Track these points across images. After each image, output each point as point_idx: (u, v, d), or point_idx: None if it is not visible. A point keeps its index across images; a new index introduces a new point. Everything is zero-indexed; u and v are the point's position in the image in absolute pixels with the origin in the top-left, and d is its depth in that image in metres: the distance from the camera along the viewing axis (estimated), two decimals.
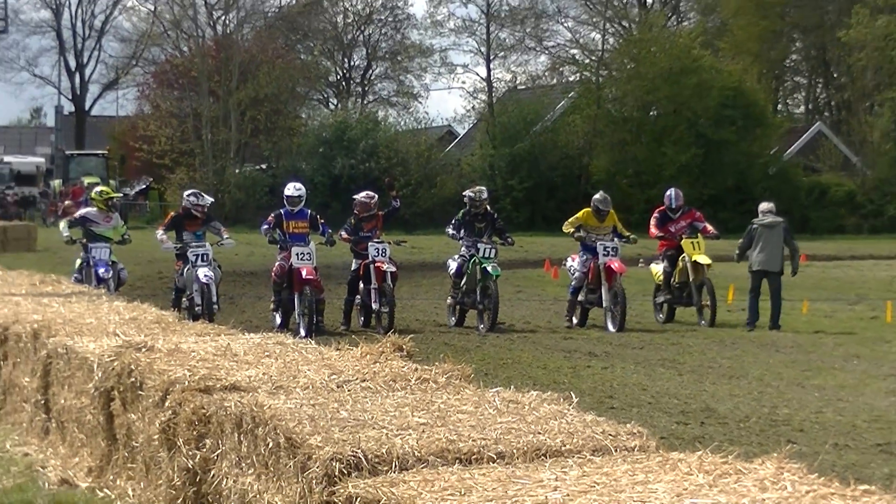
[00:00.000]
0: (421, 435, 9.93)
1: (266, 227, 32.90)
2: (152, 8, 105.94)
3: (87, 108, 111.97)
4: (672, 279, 35.27)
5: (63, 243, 35.01)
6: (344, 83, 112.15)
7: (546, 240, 62.47)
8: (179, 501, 12.12)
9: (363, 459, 9.34)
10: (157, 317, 19.06)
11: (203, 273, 31.13)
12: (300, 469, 9.79)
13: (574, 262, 35.37)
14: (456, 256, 34.68)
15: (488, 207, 35.75)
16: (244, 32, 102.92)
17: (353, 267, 33.58)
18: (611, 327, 33.30)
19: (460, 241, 34.65)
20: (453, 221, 35.14)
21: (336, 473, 9.30)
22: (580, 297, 34.89)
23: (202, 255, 31.48)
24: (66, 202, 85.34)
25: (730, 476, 8.62)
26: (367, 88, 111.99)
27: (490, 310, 33.30)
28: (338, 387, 12.03)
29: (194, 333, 16.76)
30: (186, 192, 34.12)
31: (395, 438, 9.77)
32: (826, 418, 19.43)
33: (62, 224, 34.96)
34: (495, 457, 9.42)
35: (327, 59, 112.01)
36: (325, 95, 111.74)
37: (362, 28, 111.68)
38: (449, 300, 35.18)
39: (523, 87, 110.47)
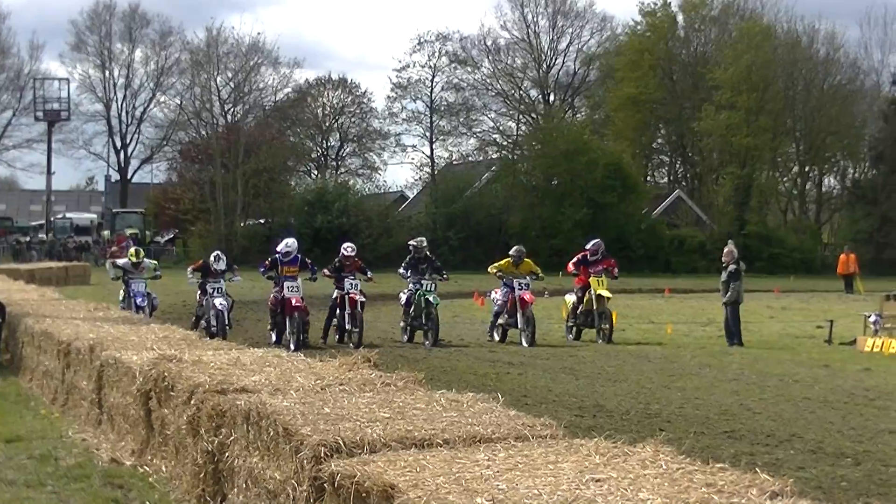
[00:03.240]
0: (385, 426, 9.91)
1: (263, 269, 33.78)
2: (179, 102, 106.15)
3: (129, 176, 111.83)
4: (580, 308, 35.79)
5: (111, 280, 37.61)
6: (322, 159, 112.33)
7: (475, 277, 62.31)
8: (202, 476, 12.08)
9: (342, 444, 9.33)
10: (184, 335, 19.09)
11: (219, 302, 32.44)
12: (294, 452, 9.77)
13: (497, 294, 36.00)
14: (405, 290, 35.33)
15: (428, 253, 36.37)
16: (248, 120, 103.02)
17: (334, 296, 34.14)
18: (524, 343, 33.62)
19: (408, 279, 35.21)
20: (403, 264, 35.85)
21: (322, 455, 9.29)
22: (501, 321, 35.39)
23: (218, 288, 32.86)
24: (113, 248, 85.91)
25: (619, 457, 8.62)
26: (339, 163, 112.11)
27: (432, 329, 34.12)
28: (322, 389, 12.02)
29: (212, 348, 16.73)
30: (213, 254, 34.67)
31: (366, 429, 9.75)
32: (687, 412, 19.44)
33: (108, 266, 37.84)
34: (442, 443, 9.39)
35: (310, 141, 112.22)
36: (309, 168, 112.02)
37: (336, 118, 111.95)
38: (402, 323, 35.70)
39: (457, 162, 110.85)
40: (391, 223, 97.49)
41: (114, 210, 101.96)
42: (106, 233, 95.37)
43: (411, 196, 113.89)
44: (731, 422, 18.57)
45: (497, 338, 35.54)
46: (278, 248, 33.87)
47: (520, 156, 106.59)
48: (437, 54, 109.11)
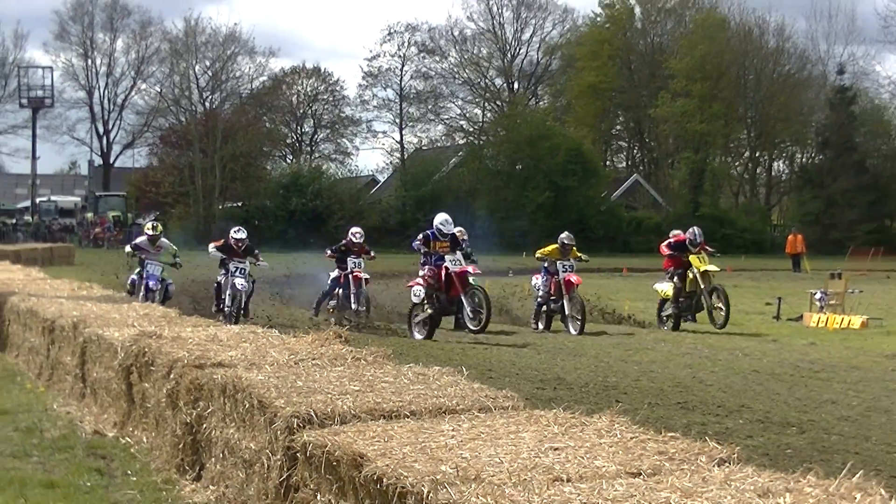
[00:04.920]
0: (355, 398, 9.90)
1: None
2: (159, 90, 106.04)
3: (111, 161, 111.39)
4: (682, 291, 30.89)
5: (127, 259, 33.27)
6: (297, 144, 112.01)
7: None
8: (181, 446, 12.07)
9: (314, 416, 9.32)
10: (164, 313, 18.98)
11: (239, 282, 29.59)
12: (268, 423, 9.77)
13: (537, 280, 32.19)
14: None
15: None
16: (225, 107, 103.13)
17: (334, 276, 32.68)
18: (572, 331, 29.88)
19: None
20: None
21: (294, 426, 9.29)
22: (545, 308, 31.77)
23: (241, 269, 29.86)
24: (97, 230, 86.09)
25: (576, 427, 8.63)
26: (313, 148, 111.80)
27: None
28: (295, 364, 12.01)
29: (190, 325, 16.68)
30: (233, 228, 31.70)
31: (337, 401, 9.74)
32: (642, 385, 19.47)
33: (128, 248, 32.43)
34: (409, 414, 9.39)
35: (285, 127, 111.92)
36: (284, 153, 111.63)
37: (310, 105, 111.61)
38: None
39: (426, 147, 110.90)
40: (363, 206, 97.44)
41: (97, 193, 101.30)
42: (89, 215, 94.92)
43: (382, 180, 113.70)
44: (684, 393, 18.61)
45: (541, 326, 31.71)
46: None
47: (485, 141, 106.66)
48: (406, 44, 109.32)
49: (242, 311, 29.90)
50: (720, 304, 29.98)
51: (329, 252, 33.55)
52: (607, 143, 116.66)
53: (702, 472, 7.25)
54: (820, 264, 62.08)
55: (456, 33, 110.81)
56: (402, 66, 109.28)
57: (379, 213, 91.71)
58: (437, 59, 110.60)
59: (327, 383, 10.75)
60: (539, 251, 32.64)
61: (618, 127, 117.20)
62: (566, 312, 30.65)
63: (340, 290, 32.28)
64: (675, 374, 21.29)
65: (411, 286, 28.96)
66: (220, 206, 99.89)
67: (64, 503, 11.08)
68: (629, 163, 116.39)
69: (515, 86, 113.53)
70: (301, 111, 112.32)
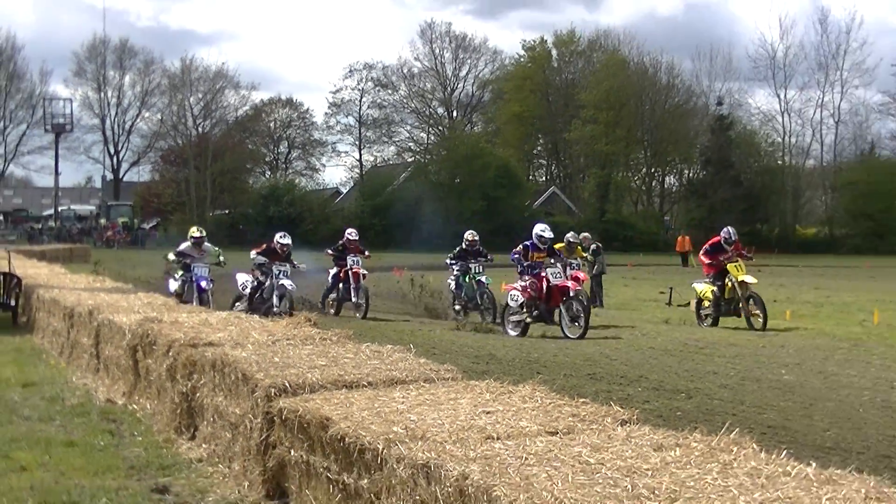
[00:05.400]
0: (322, 371, 9.89)
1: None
2: (160, 117, 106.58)
3: (120, 176, 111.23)
4: (721, 298, 27.54)
5: (170, 266, 29.12)
6: (274, 162, 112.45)
7: (395, 255, 62.26)
8: (178, 412, 12.03)
9: (288, 386, 9.33)
10: (164, 302, 18.99)
11: (288, 283, 26.40)
12: (250, 392, 9.75)
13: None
14: (452, 277, 30.58)
15: (480, 247, 30.80)
16: (215, 132, 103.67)
17: (334, 272, 30.13)
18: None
19: (454, 265, 30.42)
20: (451, 254, 31.00)
21: (272, 395, 9.31)
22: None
23: (284, 271, 26.63)
24: (108, 233, 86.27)
25: (505, 394, 8.64)
26: (287, 165, 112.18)
27: (490, 308, 29.42)
28: (273, 343, 11.99)
29: (185, 312, 16.64)
30: (278, 233, 28.36)
31: (307, 374, 9.73)
32: (559, 359, 19.44)
33: (171, 256, 28.22)
34: (367, 384, 9.39)
35: (264, 148, 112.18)
36: (263, 169, 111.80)
37: (285, 130, 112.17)
38: (456, 306, 30.59)
39: (381, 164, 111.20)
40: (328, 213, 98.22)
41: (108, 203, 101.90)
42: (102, 221, 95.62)
43: (344, 191, 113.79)
44: (593, 366, 18.61)
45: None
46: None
47: (430, 160, 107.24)
48: (364, 80, 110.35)
49: (290, 309, 25.72)
50: (757, 311, 26.92)
51: (329, 251, 31.38)
52: (530, 161, 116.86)
53: (607, 431, 7.29)
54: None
55: (405, 71, 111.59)
56: (361, 97, 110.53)
57: (342, 218, 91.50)
58: (390, 91, 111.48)
59: (299, 359, 10.74)
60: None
61: (538, 147, 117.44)
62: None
63: (342, 285, 30.17)
64: (586, 351, 21.27)
65: (508, 290, 25.95)
66: (211, 213, 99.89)
67: (82, 459, 11.02)
68: (548, 177, 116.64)
69: (454, 114, 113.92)
70: (277, 135, 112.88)
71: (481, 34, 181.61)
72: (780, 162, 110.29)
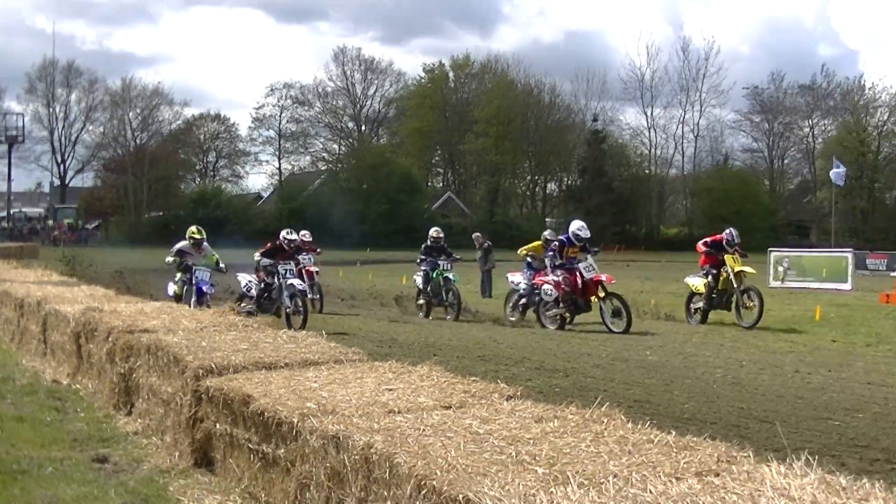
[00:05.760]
0: (244, 354, 9.86)
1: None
2: (102, 130, 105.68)
3: (66, 182, 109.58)
4: (714, 289, 24.97)
5: (167, 266, 24.57)
6: (203, 170, 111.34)
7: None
8: (117, 391, 11.88)
9: (214, 367, 9.29)
10: (105, 293, 18.70)
11: (297, 282, 23.13)
12: (181, 373, 9.68)
13: (517, 276, 26.52)
14: (419, 273, 28.21)
15: (444, 243, 28.49)
16: (151, 143, 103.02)
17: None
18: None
19: (422, 262, 28.00)
20: (421, 251, 28.52)
21: (200, 375, 9.26)
22: (522, 301, 25.72)
23: (290, 269, 23.33)
24: (55, 232, 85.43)
25: (405, 374, 8.67)
26: (215, 173, 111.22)
27: (455, 304, 27.05)
28: (201, 330, 11.89)
29: (124, 302, 16.42)
30: (283, 231, 25.05)
31: (231, 356, 9.69)
32: (453, 343, 19.47)
33: (169, 258, 24.07)
34: (283, 365, 9.37)
35: (195, 157, 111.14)
36: (194, 176, 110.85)
37: (213, 141, 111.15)
38: (420, 301, 28.34)
39: (298, 172, 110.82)
40: (251, 215, 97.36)
41: (55, 206, 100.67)
42: (50, 221, 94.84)
43: (265, 196, 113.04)
44: (483, 349, 18.64)
45: (513, 319, 25.87)
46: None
47: (340, 168, 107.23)
48: (283, 97, 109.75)
49: (302, 309, 23.02)
50: (752, 303, 24.27)
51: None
52: (428, 169, 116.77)
53: (495, 405, 7.32)
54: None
55: (320, 90, 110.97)
56: (281, 113, 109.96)
57: (263, 220, 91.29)
58: (306, 108, 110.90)
59: (224, 344, 10.68)
60: (522, 248, 27.46)
61: (436, 157, 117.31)
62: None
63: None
64: (476, 336, 21.34)
65: (541, 284, 24.02)
66: (147, 215, 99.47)
67: (31, 432, 10.88)
68: (444, 183, 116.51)
69: (363, 128, 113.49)
70: (206, 145, 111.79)
71: (387, 58, 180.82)
72: (646, 171, 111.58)
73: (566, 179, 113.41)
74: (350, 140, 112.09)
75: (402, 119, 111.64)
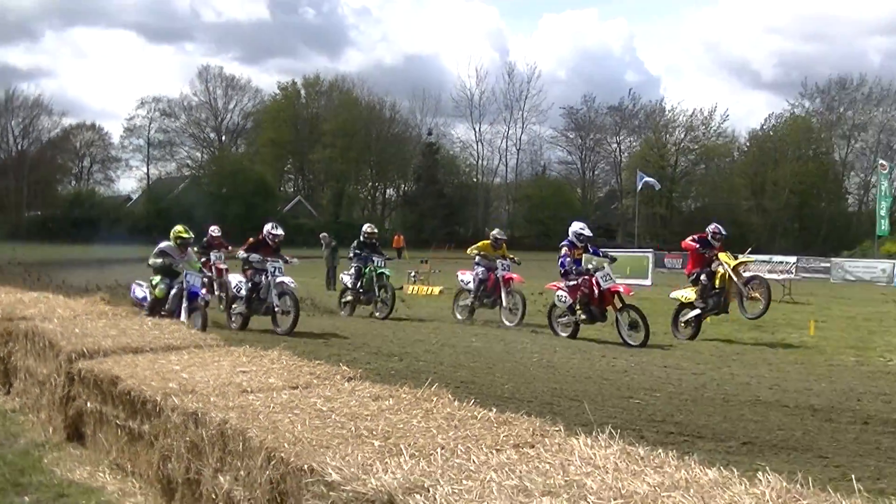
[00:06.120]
0: (114, 339, 9.70)
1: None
2: None
3: None
4: (712, 288, 20.16)
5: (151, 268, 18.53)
6: (79, 174, 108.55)
7: None
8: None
9: (86, 351, 9.15)
10: None
11: (288, 280, 19.81)
12: (55, 356, 9.52)
13: (466, 276, 23.77)
14: (349, 272, 24.78)
15: (375, 240, 24.94)
16: (32, 149, 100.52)
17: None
18: (508, 322, 22.34)
19: (353, 259, 24.56)
20: (353, 245, 25.01)
21: (73, 358, 9.12)
22: (468, 300, 23.50)
23: (278, 267, 19.96)
24: None
25: (258, 358, 8.69)
26: (90, 177, 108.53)
27: (388, 302, 23.92)
28: (74, 318, 11.65)
29: (4, 292, 15.91)
30: (268, 225, 21.62)
31: (101, 341, 9.53)
32: (299, 331, 19.28)
33: (152, 260, 18.08)
34: (149, 350, 9.25)
35: (71, 163, 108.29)
36: (70, 179, 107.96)
37: (88, 148, 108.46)
38: (346, 298, 24.85)
39: (164, 177, 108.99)
40: (121, 215, 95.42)
41: None
42: None
43: (134, 198, 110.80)
44: (326, 336, 18.62)
45: (461, 318, 23.55)
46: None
47: (203, 174, 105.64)
48: (152, 110, 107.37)
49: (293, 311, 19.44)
50: (757, 294, 20.05)
51: (196, 249, 24.01)
52: (281, 176, 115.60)
53: (338, 385, 7.31)
54: (415, 254, 63.16)
55: (185, 104, 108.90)
56: (150, 123, 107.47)
57: (132, 219, 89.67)
58: (173, 119, 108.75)
59: (95, 330, 10.49)
60: (472, 248, 24.16)
61: (288, 165, 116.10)
62: (503, 305, 22.78)
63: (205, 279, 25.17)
64: (320, 324, 21.26)
65: (554, 289, 20.80)
66: (27, 214, 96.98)
67: None
68: (295, 188, 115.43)
69: (223, 138, 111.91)
70: (82, 152, 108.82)
71: (246, 76, 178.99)
72: (474, 179, 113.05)
73: (403, 186, 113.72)
74: (211, 149, 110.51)
75: (258, 131, 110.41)
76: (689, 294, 20.62)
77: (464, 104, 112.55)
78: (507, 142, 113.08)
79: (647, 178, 71.34)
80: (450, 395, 6.76)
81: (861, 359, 16.12)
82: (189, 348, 9.39)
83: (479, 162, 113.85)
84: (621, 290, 19.67)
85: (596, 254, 20.64)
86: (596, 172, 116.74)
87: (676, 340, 19.95)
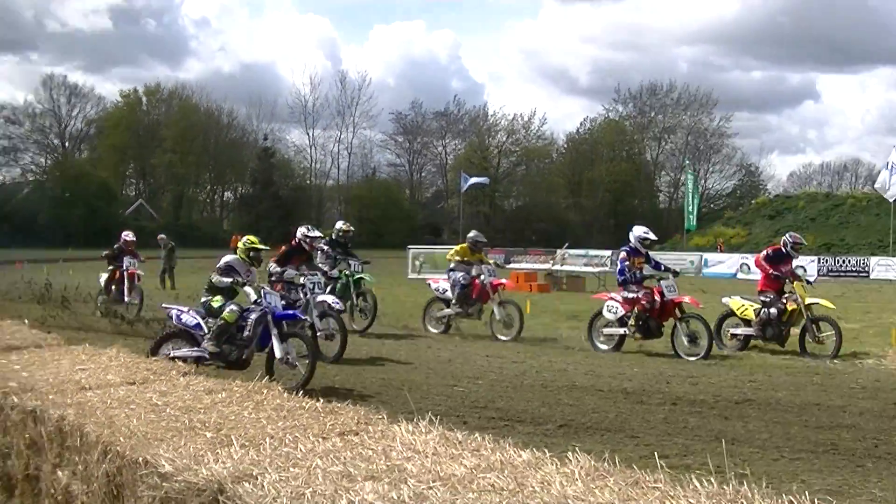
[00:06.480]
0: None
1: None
2: None
3: None
4: (778, 321, 16.64)
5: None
6: None
7: (21, 251, 58.30)
8: None
9: None
10: None
11: (331, 299, 15.83)
12: None
13: (441, 284, 19.36)
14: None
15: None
16: None
17: (107, 276, 22.90)
18: (503, 337, 18.29)
19: (325, 262, 19.20)
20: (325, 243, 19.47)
21: None
22: (443, 312, 19.39)
23: (317, 283, 15.84)
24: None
25: (97, 356, 8.58)
26: None
27: (370, 311, 19.08)
28: None
29: None
30: (302, 227, 17.55)
31: None
32: (139, 330, 18.75)
33: (215, 277, 12.63)
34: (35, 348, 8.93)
35: None
36: None
37: None
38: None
39: (9, 182, 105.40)
40: None
41: None
42: None
43: None
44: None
45: (435, 330, 19.43)
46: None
47: (47, 179, 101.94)
48: None
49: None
50: (828, 334, 16.36)
51: (104, 254, 23.52)
52: (123, 180, 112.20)
53: (173, 380, 7.24)
54: None
55: (30, 111, 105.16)
56: None
57: None
58: (17, 126, 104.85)
59: None
60: (451, 254, 19.69)
61: (130, 170, 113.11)
62: (496, 317, 18.70)
63: (114, 287, 22.54)
64: (156, 315, 20.69)
65: (605, 299, 17.24)
66: None
67: None
68: (137, 192, 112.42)
69: (67, 144, 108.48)
70: None
71: (90, 84, 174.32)
72: (308, 181, 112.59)
73: (240, 188, 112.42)
74: (55, 154, 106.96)
75: (101, 137, 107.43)
76: (748, 310, 17.24)
77: (298, 110, 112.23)
78: (339, 146, 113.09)
79: (474, 179, 72.11)
80: (279, 388, 6.75)
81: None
82: (29, 348, 9.12)
83: (313, 165, 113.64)
84: (687, 300, 16.49)
85: (657, 268, 17.12)
86: (423, 174, 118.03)
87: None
